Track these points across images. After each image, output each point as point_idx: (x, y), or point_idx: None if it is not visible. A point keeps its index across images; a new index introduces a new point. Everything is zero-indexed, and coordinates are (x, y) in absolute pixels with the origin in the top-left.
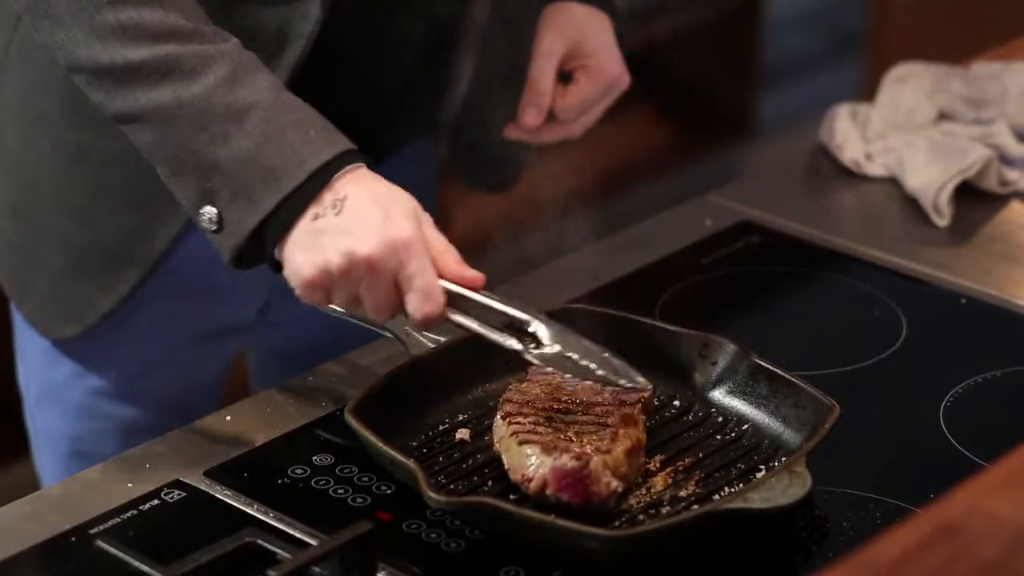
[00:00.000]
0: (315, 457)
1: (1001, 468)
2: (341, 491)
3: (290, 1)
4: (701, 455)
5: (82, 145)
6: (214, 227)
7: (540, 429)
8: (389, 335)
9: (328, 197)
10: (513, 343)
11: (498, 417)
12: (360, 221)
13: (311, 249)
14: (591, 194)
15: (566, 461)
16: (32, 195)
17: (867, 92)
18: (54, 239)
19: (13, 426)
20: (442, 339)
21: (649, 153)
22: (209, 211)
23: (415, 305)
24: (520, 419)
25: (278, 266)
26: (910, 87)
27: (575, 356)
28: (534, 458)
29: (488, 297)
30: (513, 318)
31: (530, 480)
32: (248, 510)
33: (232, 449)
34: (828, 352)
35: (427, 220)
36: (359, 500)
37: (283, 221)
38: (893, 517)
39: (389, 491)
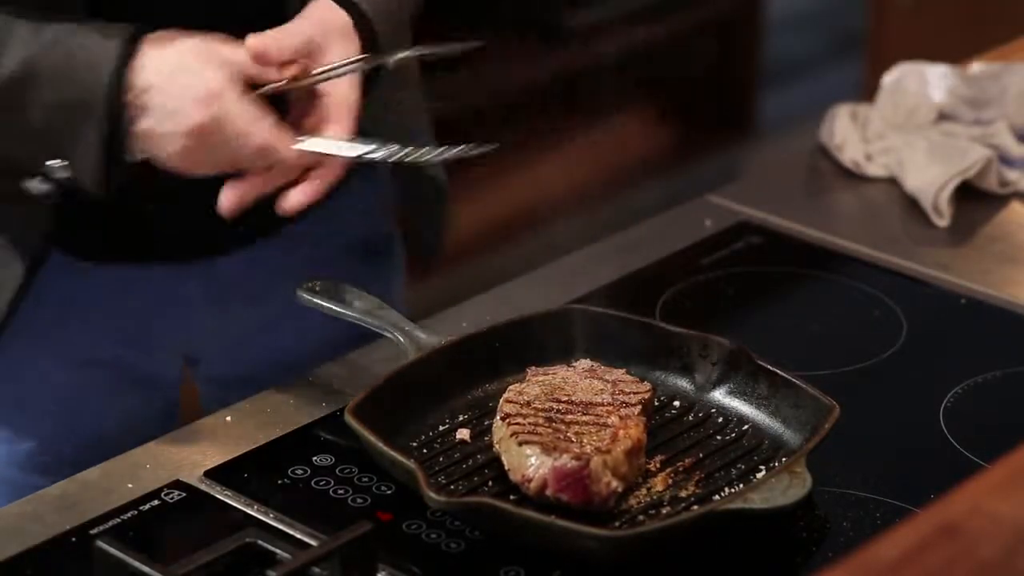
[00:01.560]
0: (315, 457)
1: (1001, 468)
2: (341, 491)
3: None
4: (701, 455)
5: None
6: (68, 173)
7: (540, 430)
8: (389, 335)
9: (131, 97)
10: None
11: (498, 418)
12: (176, 99)
13: (159, 146)
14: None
15: (566, 461)
16: None
17: (867, 92)
18: None
19: None
20: (443, 340)
21: (649, 153)
22: (57, 164)
23: (261, 155)
24: (520, 420)
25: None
26: (910, 87)
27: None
28: (534, 459)
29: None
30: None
31: (530, 480)
32: (248, 510)
33: (232, 449)
34: (828, 352)
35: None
36: (359, 500)
37: (119, 139)
38: (893, 517)
39: (389, 491)
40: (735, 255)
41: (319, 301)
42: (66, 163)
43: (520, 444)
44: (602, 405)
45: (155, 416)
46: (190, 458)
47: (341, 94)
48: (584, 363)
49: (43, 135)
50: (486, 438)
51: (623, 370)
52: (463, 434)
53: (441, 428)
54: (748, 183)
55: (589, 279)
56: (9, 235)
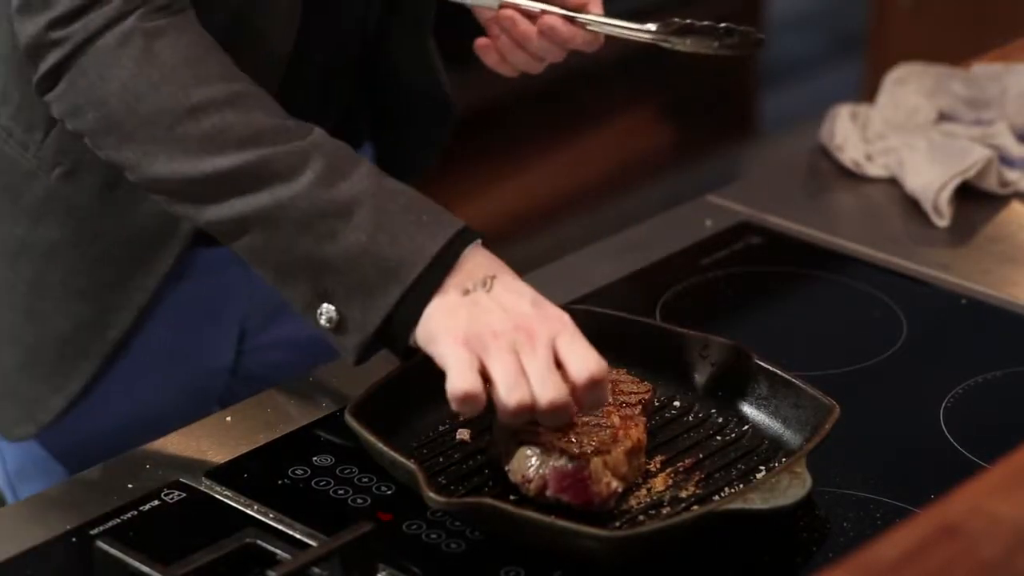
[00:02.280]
0: (315, 458)
1: (1001, 468)
2: (341, 492)
3: None
4: (701, 456)
5: (20, 237)
6: (333, 327)
7: (540, 429)
8: None
9: (476, 273)
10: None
11: (498, 418)
12: (514, 301)
13: (465, 318)
14: (591, 194)
15: (566, 462)
16: None
17: (867, 93)
18: (3, 336)
19: None
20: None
21: (649, 153)
22: (327, 310)
23: (541, 391)
24: (523, 426)
25: (407, 353)
26: (910, 88)
27: None
28: (534, 459)
29: None
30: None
31: (530, 481)
32: (248, 511)
33: (232, 450)
34: (828, 353)
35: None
36: (359, 501)
37: (409, 311)
38: (893, 517)
39: (389, 492)
40: (735, 255)
41: None
42: (338, 311)
43: (520, 444)
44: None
45: (200, 395)
46: (190, 458)
47: None
48: None
49: (331, 270)
50: (487, 438)
51: (623, 370)
52: (463, 434)
53: (441, 428)
54: (748, 183)
55: (590, 279)
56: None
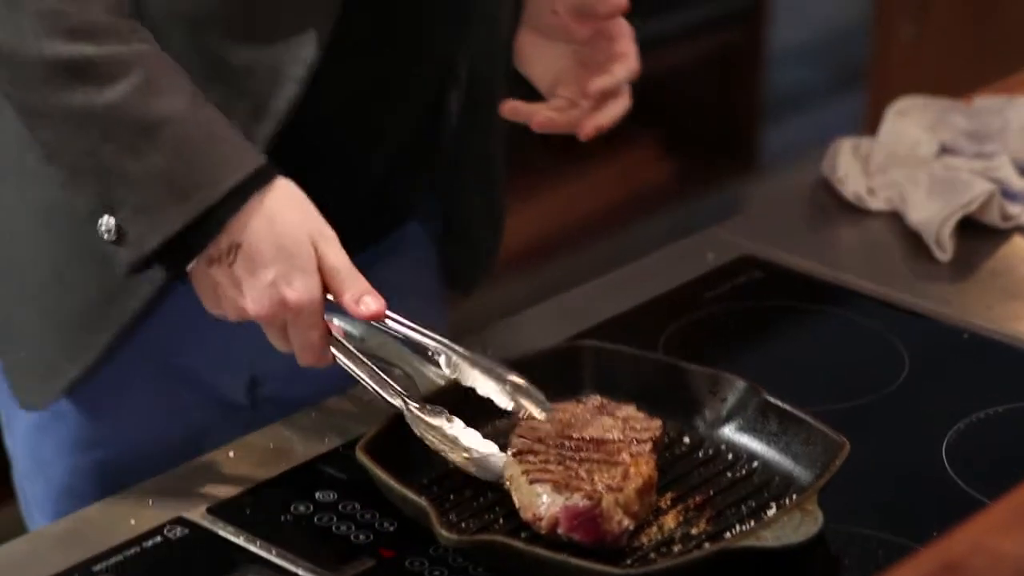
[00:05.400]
0: (318, 493)
1: (1003, 506)
2: (344, 528)
3: (280, 41)
4: (712, 493)
5: (54, 199)
6: (112, 238)
7: (551, 467)
8: (398, 372)
9: (224, 241)
10: (393, 400)
11: (508, 454)
12: (251, 280)
13: (209, 297)
14: (593, 228)
15: (577, 500)
16: (10, 251)
17: (869, 126)
18: (30, 298)
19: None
20: (453, 376)
21: (651, 187)
22: (107, 221)
23: (298, 356)
24: (531, 457)
25: (177, 277)
26: (912, 121)
27: (474, 385)
28: (545, 497)
29: (393, 323)
30: (417, 344)
31: (541, 519)
32: (251, 547)
33: (235, 486)
34: (830, 387)
35: (330, 245)
36: (362, 537)
37: (191, 243)
38: (895, 554)
39: (392, 528)
40: (737, 289)
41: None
42: (118, 224)
43: (531, 482)
44: (613, 442)
45: (217, 430)
46: (193, 494)
47: (626, 29)
48: (594, 399)
49: (125, 183)
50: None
51: (633, 406)
52: None
53: (451, 465)
54: (750, 217)
55: (592, 313)
56: None
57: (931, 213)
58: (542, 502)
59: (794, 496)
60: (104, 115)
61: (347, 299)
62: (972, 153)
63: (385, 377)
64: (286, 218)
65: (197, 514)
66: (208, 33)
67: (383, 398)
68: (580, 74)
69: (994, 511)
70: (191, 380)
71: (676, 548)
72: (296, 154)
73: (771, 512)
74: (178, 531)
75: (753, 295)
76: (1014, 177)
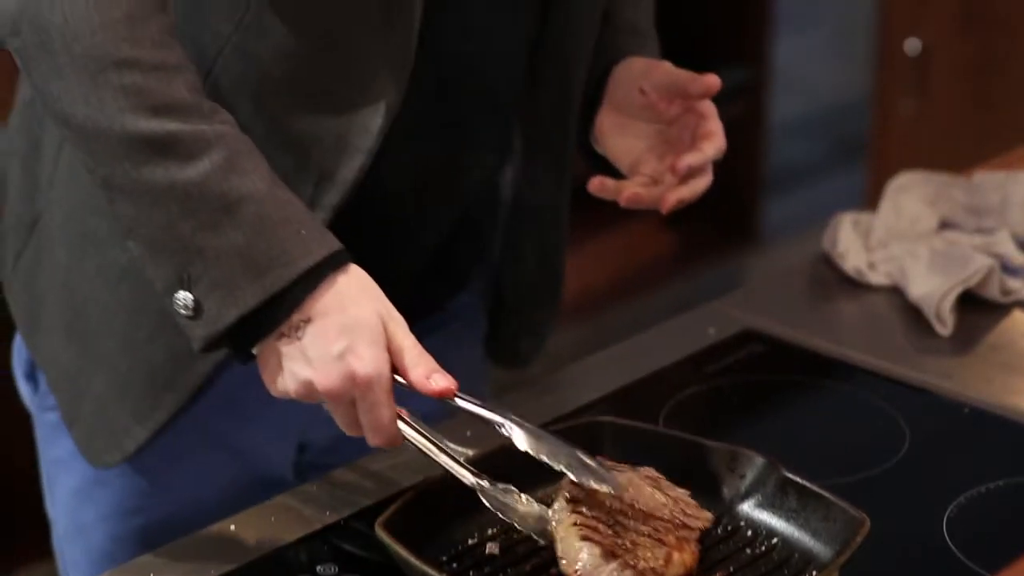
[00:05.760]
0: (319, 567)
1: None
2: None
3: (348, 111)
4: (732, 569)
5: (123, 265)
6: (188, 313)
7: (601, 527)
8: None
9: (296, 317)
10: (468, 477)
11: (561, 499)
12: (320, 352)
13: (272, 373)
14: (594, 303)
15: (618, 571)
16: (81, 316)
17: (870, 200)
18: (100, 362)
19: (39, 522)
20: (471, 452)
21: (652, 261)
22: (184, 296)
23: (368, 436)
24: (584, 509)
25: (247, 358)
26: (912, 196)
27: (544, 457)
28: (586, 555)
29: (463, 400)
30: (487, 420)
31: (578, 573)
32: None
33: (235, 559)
34: (831, 462)
35: (399, 327)
36: None
37: (263, 321)
38: None
39: None
40: (738, 363)
41: None
42: (196, 299)
43: (581, 539)
44: (662, 520)
45: (257, 501)
46: (192, 568)
47: (713, 108)
48: (648, 470)
49: (203, 259)
50: (517, 550)
51: (688, 491)
52: (493, 548)
53: (471, 542)
54: (751, 291)
55: (594, 387)
56: None
57: (931, 287)
58: (584, 561)
59: (814, 573)
60: (185, 191)
61: (417, 375)
62: (972, 228)
63: (458, 456)
64: (357, 298)
65: None
66: (275, 103)
67: (457, 476)
68: (665, 152)
69: None
70: (239, 452)
71: None
72: (358, 222)
73: None
74: None
75: (754, 369)
76: (1014, 252)
